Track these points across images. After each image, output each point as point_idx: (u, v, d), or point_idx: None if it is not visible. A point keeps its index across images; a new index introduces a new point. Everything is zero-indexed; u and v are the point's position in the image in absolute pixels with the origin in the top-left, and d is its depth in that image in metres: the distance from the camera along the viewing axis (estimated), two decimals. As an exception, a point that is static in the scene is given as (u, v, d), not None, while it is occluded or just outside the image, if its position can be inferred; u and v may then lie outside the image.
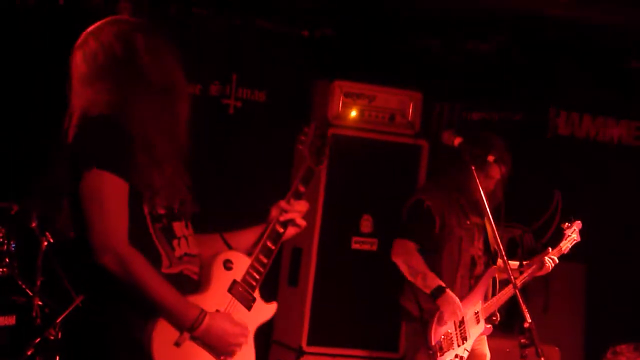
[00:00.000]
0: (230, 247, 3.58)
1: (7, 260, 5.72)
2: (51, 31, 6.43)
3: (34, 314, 5.65)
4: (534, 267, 5.63)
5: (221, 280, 3.44)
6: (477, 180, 4.87)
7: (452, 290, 5.39)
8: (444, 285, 5.36)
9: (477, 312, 5.50)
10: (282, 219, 3.58)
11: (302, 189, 3.63)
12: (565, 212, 7.78)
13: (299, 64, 7.35)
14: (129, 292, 3.20)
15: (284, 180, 7.05)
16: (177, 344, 3.26)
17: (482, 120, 7.82)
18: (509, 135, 7.76)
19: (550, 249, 5.70)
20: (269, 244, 3.56)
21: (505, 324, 7.45)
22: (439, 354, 5.32)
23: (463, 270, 5.50)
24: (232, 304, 3.43)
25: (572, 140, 8.03)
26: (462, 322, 5.43)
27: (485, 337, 5.71)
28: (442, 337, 5.34)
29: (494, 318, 5.62)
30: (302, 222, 3.63)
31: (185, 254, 3.41)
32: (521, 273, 5.52)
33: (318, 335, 6.84)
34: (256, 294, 3.51)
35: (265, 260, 3.53)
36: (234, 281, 3.46)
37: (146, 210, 3.30)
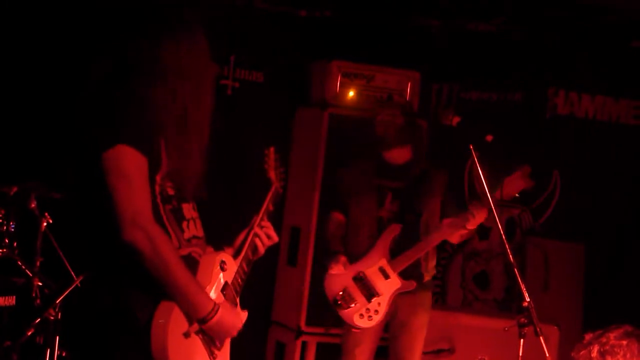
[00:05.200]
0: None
1: (7, 241, 5.73)
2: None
3: (33, 294, 5.66)
4: (457, 220, 5.62)
5: (218, 279, 3.45)
6: (475, 158, 4.85)
7: (359, 250, 5.72)
8: (338, 250, 5.78)
9: (382, 267, 5.64)
10: (261, 233, 3.71)
11: (271, 208, 3.85)
12: (564, 192, 7.79)
13: (296, 44, 7.34)
14: (150, 271, 3.15)
15: (281, 160, 7.06)
16: (186, 335, 3.24)
17: (480, 100, 7.81)
18: (508, 115, 7.82)
19: (475, 202, 5.63)
20: (249, 254, 3.67)
21: (503, 302, 7.51)
22: (335, 308, 5.65)
23: (368, 231, 5.76)
24: (224, 304, 3.43)
25: (571, 119, 8.02)
26: (361, 278, 5.63)
27: (422, 306, 5.82)
28: (340, 293, 5.62)
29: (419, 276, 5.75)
30: (269, 243, 3.77)
31: (194, 237, 3.40)
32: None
33: (317, 316, 6.85)
34: (237, 300, 3.56)
35: (246, 269, 3.63)
36: (226, 283, 3.49)
37: (157, 190, 3.26)
